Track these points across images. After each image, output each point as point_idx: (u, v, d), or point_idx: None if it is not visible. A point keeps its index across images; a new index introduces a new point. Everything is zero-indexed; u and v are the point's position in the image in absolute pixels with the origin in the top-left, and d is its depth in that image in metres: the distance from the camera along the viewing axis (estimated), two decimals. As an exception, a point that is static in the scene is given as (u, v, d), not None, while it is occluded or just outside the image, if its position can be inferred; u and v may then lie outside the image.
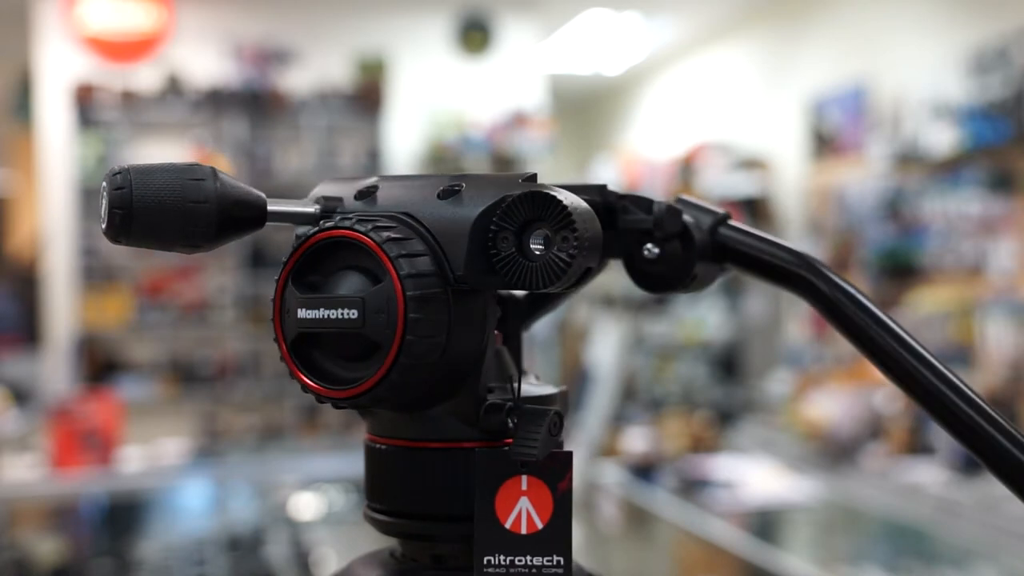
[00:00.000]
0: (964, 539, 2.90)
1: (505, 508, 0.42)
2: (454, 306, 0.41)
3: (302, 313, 0.40)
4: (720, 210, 0.48)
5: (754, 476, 3.32)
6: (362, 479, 0.47)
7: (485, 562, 0.42)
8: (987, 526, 2.96)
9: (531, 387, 0.46)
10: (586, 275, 0.42)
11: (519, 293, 0.51)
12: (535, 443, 0.41)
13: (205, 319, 5.30)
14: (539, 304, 0.53)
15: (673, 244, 0.47)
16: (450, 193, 0.41)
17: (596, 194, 0.48)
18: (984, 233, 3.92)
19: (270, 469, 3.25)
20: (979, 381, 3.62)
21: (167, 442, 3.80)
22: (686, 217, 0.47)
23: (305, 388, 0.41)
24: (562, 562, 0.42)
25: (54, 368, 5.14)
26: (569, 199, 0.40)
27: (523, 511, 0.42)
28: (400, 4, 5.67)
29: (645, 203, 0.48)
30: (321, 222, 0.42)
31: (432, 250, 0.40)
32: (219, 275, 5.30)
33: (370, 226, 0.40)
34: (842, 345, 4.81)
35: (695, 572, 2.82)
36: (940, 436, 3.48)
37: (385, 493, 0.45)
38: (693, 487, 3.19)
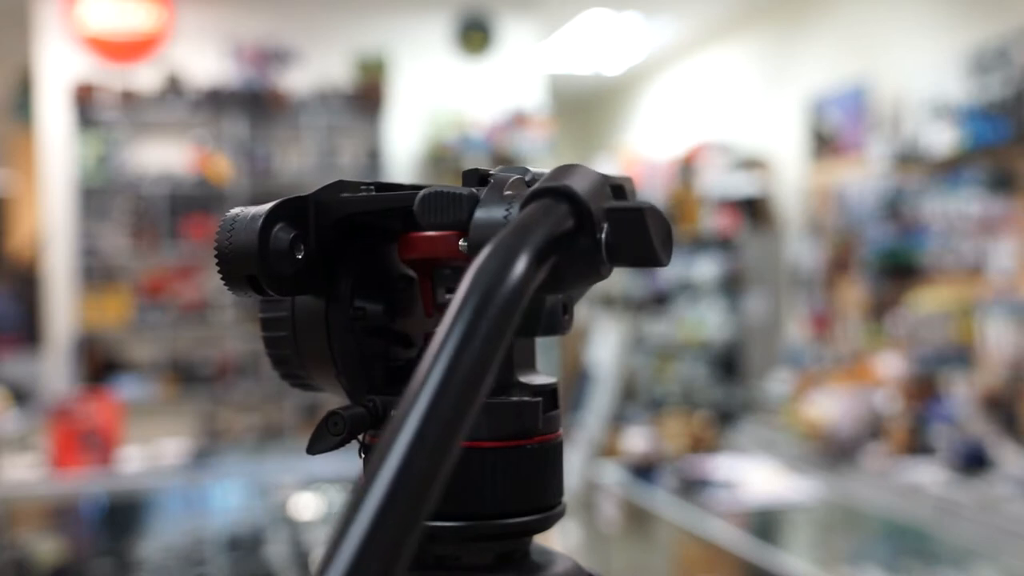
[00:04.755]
0: (964, 539, 2.90)
1: None
2: (301, 313, 0.45)
3: None
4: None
5: (754, 476, 3.32)
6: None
7: None
8: (987, 526, 2.96)
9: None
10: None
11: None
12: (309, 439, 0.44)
13: (205, 319, 5.30)
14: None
15: None
16: None
17: (474, 181, 0.42)
18: (984, 233, 3.92)
19: (270, 469, 3.25)
20: (979, 381, 3.62)
21: (167, 442, 3.80)
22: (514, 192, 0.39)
23: None
24: None
25: (54, 368, 5.14)
26: (237, 210, 0.42)
27: None
28: (400, 4, 5.67)
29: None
30: None
31: None
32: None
33: None
34: (842, 345, 4.82)
35: (695, 572, 2.82)
36: (940, 436, 3.48)
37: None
38: (693, 487, 3.19)
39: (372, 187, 0.45)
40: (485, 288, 0.30)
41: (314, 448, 0.43)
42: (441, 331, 0.29)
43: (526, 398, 0.44)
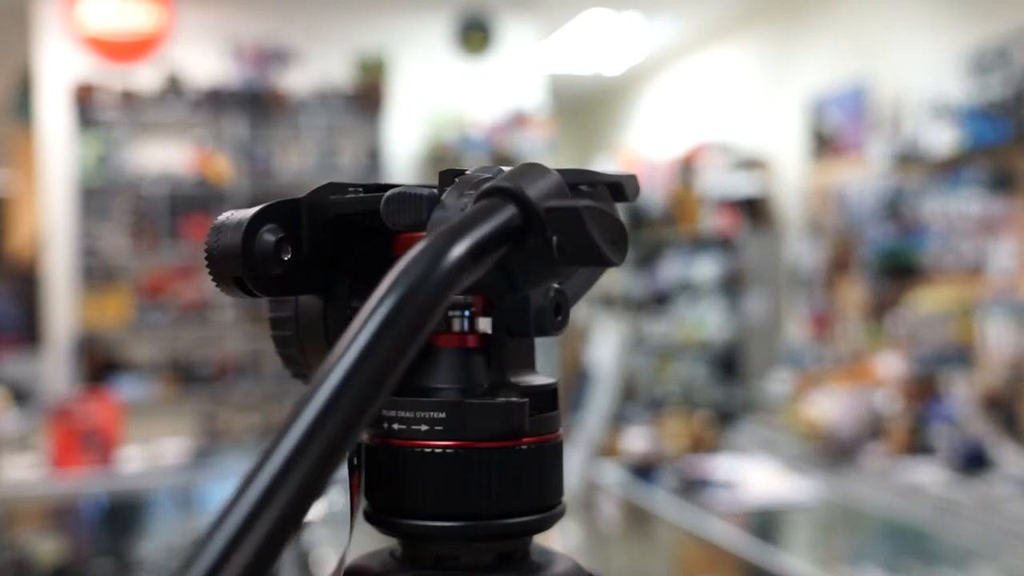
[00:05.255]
0: (964, 539, 2.90)
1: None
2: (304, 314, 0.46)
3: None
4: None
5: (754, 476, 3.32)
6: (362, 479, 0.47)
7: None
8: (987, 526, 2.96)
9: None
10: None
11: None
12: None
13: (205, 319, 5.30)
14: (512, 306, 0.50)
15: None
16: None
17: (450, 181, 0.42)
18: (984, 233, 3.92)
19: (270, 469, 3.25)
20: (979, 381, 3.62)
21: (167, 442, 3.80)
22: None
23: None
24: None
25: (54, 368, 5.14)
26: (228, 213, 0.43)
27: None
28: (400, 4, 5.67)
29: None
30: None
31: None
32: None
33: None
34: (842, 345, 4.82)
35: (695, 572, 2.82)
36: (940, 436, 3.48)
37: (384, 492, 0.45)
38: (693, 487, 3.19)
39: (361, 188, 0.45)
40: (410, 279, 0.30)
41: None
42: (358, 320, 0.29)
43: (513, 399, 0.44)
